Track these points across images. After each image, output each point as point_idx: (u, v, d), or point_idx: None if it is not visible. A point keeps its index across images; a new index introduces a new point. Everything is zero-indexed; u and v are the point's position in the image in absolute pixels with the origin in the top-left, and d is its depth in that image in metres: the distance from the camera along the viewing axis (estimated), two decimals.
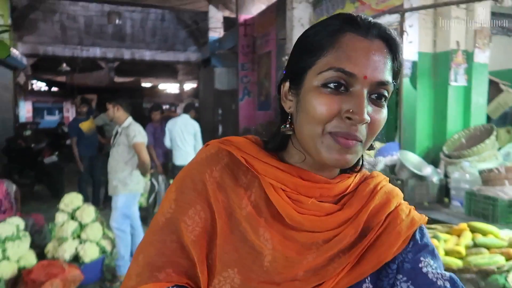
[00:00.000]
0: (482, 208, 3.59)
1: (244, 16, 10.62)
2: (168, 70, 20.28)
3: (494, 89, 5.19)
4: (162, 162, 5.75)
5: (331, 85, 0.66)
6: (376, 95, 0.68)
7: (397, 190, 0.82)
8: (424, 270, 0.71)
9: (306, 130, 0.70)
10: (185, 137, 5.27)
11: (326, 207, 0.74)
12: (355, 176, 0.81)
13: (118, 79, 18.04)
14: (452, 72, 4.52)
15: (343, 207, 0.75)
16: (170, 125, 5.33)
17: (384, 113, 0.70)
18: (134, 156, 3.91)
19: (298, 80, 0.72)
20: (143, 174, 3.97)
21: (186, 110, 5.56)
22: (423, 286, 0.70)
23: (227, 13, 12.98)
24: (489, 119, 5.06)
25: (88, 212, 4.06)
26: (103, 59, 16.99)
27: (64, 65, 15.57)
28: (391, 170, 4.61)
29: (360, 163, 0.81)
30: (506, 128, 5.18)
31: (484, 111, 4.78)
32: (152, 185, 5.70)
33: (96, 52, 16.42)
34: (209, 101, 11.83)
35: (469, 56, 4.55)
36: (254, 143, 0.82)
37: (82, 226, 3.99)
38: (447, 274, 0.71)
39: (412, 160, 4.54)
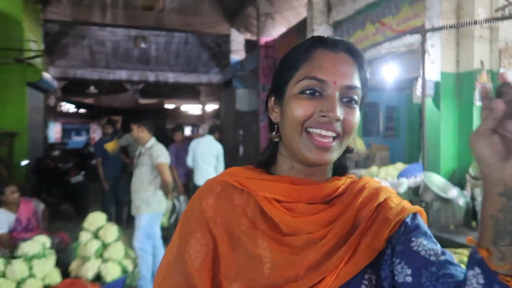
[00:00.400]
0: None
1: (265, 39, 10.80)
2: (191, 92, 20.69)
3: None
4: (183, 182, 5.81)
5: (307, 91, 0.77)
6: (347, 98, 0.78)
7: (387, 187, 0.87)
8: (415, 248, 0.73)
9: (289, 133, 0.80)
10: (207, 158, 5.34)
11: (318, 208, 0.80)
12: (346, 179, 0.87)
13: (142, 101, 18.50)
14: (477, 92, 4.44)
15: (333, 205, 0.81)
16: (194, 144, 5.43)
17: (356, 115, 0.80)
18: (157, 176, 3.98)
19: (281, 92, 0.83)
20: (166, 194, 4.02)
21: (211, 132, 5.66)
22: (415, 263, 0.71)
23: (248, 36, 13.25)
24: None
25: (111, 232, 4.11)
26: (128, 81, 17.52)
27: (92, 87, 16.13)
28: (415, 192, 4.51)
29: (347, 166, 0.91)
30: None
31: None
32: (173, 205, 5.75)
33: (122, 74, 16.96)
34: (230, 122, 11.96)
35: (494, 76, 4.47)
36: (247, 168, 0.89)
37: (105, 245, 4.05)
38: (440, 249, 0.72)
39: (437, 182, 4.43)
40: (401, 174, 5.31)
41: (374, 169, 6.52)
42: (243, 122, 11.38)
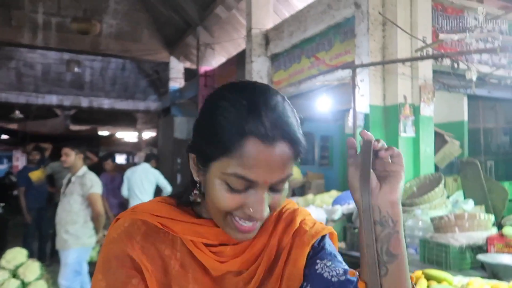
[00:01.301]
0: (436, 255, 3.69)
1: (204, 68, 10.90)
2: (127, 119, 20.04)
3: (439, 140, 5.54)
4: (115, 214, 5.52)
5: (233, 187, 0.71)
6: (276, 187, 0.74)
7: (302, 209, 0.89)
8: (319, 271, 0.76)
9: (212, 210, 0.76)
10: (144, 186, 5.15)
11: (245, 246, 0.79)
12: None
13: (74, 127, 17.56)
14: (401, 124, 4.80)
15: (257, 237, 0.80)
16: (129, 173, 5.20)
17: (284, 192, 0.77)
18: (88, 207, 3.74)
19: (203, 163, 0.74)
20: (98, 227, 3.78)
21: (147, 159, 5.50)
22: (318, 285, 0.74)
23: (188, 64, 13.28)
24: (436, 168, 5.35)
25: (32, 269, 3.75)
26: (59, 106, 16.58)
27: (17, 112, 15.01)
28: (348, 219, 4.68)
29: None
30: (453, 177, 5.48)
31: (432, 161, 5.05)
32: (104, 237, 5.42)
33: (52, 99, 16.01)
34: (168, 150, 11.72)
35: (415, 109, 4.88)
36: (166, 203, 0.83)
37: (24, 285, 3.67)
38: (342, 269, 0.76)
39: None
40: (335, 201, 5.50)
41: (310, 196, 6.69)
42: (181, 150, 11.22)
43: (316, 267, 0.76)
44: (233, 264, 0.77)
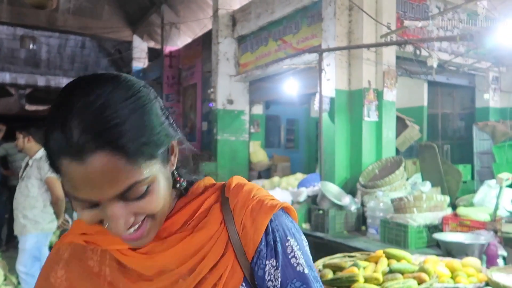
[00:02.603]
0: (395, 234, 3.87)
1: (169, 48, 10.61)
2: None
3: (401, 125, 5.74)
4: None
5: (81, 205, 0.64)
6: (133, 196, 0.63)
7: (251, 184, 0.79)
8: (264, 276, 0.73)
9: None
10: None
11: (179, 237, 0.72)
12: (203, 190, 0.78)
13: (30, 107, 16.72)
14: (365, 109, 4.92)
15: (199, 230, 0.73)
16: None
17: (154, 196, 0.65)
18: (47, 191, 3.59)
19: (55, 168, 0.63)
20: (58, 212, 3.64)
21: None
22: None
23: (152, 44, 12.86)
24: (397, 151, 5.55)
25: None
26: (13, 85, 15.68)
27: None
28: (313, 201, 4.79)
29: (186, 179, 0.79)
30: (412, 160, 5.72)
31: (393, 144, 5.23)
32: (67, 222, 5.24)
33: (5, 77, 15.12)
34: None
35: (379, 94, 5.00)
36: None
37: None
38: (280, 276, 0.71)
39: (332, 190, 4.77)
40: (300, 184, 5.60)
41: (275, 179, 6.77)
42: None
43: (261, 273, 0.72)
44: (167, 258, 0.70)
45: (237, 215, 0.73)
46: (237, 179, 0.81)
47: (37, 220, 3.52)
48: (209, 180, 0.82)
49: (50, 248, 4.16)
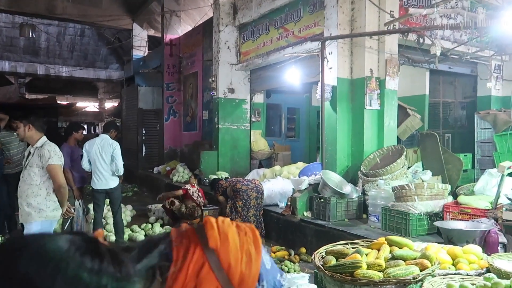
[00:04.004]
0: (396, 222, 3.90)
1: (170, 36, 10.54)
2: (88, 88, 19.23)
3: (402, 114, 5.74)
4: (79, 186, 5.34)
5: None
6: None
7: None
8: None
9: None
10: (104, 159, 4.96)
11: None
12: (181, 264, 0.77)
13: (30, 96, 16.68)
14: (367, 97, 4.91)
15: None
16: (87, 146, 4.98)
17: None
18: (49, 179, 3.60)
19: None
20: (61, 200, 3.65)
21: (105, 130, 5.24)
22: None
23: (152, 32, 12.77)
24: (399, 140, 5.55)
25: None
26: (12, 73, 15.62)
27: None
28: (314, 189, 4.82)
29: None
30: (413, 149, 5.73)
31: (395, 133, 5.24)
32: (70, 210, 5.25)
33: (4, 65, 15.05)
34: (133, 120, 11.40)
35: (381, 83, 4.99)
36: None
37: None
38: None
39: (334, 179, 4.79)
40: (302, 172, 5.62)
41: (277, 168, 6.80)
42: (146, 120, 10.96)
43: None
44: None
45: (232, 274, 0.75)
46: (212, 224, 0.79)
47: (41, 208, 3.54)
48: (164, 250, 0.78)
49: None
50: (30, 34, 12.11)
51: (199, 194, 5.92)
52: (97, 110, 19.89)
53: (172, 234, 0.79)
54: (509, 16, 3.56)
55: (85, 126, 18.35)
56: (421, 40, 4.51)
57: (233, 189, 4.95)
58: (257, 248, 0.78)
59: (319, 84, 5.11)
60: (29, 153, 3.71)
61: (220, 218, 0.82)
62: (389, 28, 4.72)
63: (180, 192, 5.76)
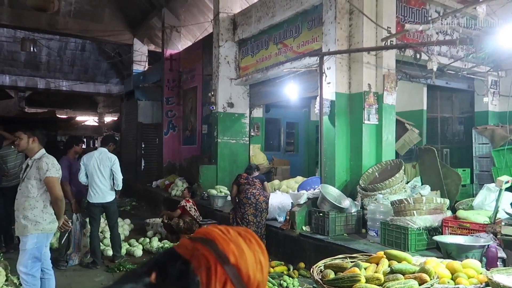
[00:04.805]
0: (395, 237, 3.88)
1: (170, 51, 10.65)
2: (87, 102, 19.30)
3: (400, 128, 5.76)
4: (75, 200, 5.32)
5: None
6: None
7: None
8: None
9: None
10: (102, 173, 4.96)
11: None
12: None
13: (29, 110, 16.73)
14: (365, 112, 4.94)
15: None
16: (85, 159, 4.99)
17: None
18: (46, 191, 3.59)
19: None
20: (58, 212, 3.63)
21: (104, 143, 5.26)
22: None
23: (152, 47, 12.90)
24: (397, 154, 5.57)
25: None
26: (13, 87, 15.70)
27: None
28: (313, 203, 4.80)
29: None
30: (412, 163, 5.74)
31: (393, 148, 5.25)
32: (66, 223, 5.21)
33: (5, 80, 15.13)
34: (132, 134, 11.43)
35: (379, 98, 5.03)
36: None
37: None
38: None
39: (332, 193, 4.78)
40: (300, 187, 5.62)
41: (276, 182, 6.79)
42: (145, 134, 10.99)
43: None
44: None
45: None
46: (226, 240, 0.79)
47: (37, 221, 3.52)
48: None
49: (50, 249, 4.17)
50: (32, 48, 12.23)
51: (195, 208, 5.91)
52: (97, 124, 19.92)
53: (183, 253, 0.77)
54: (505, 32, 3.62)
55: (84, 140, 18.36)
56: (418, 56, 4.57)
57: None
58: (264, 255, 0.79)
59: (318, 98, 5.15)
60: (27, 165, 3.71)
61: (225, 229, 0.80)
62: (386, 43, 4.78)
63: (178, 212, 5.75)
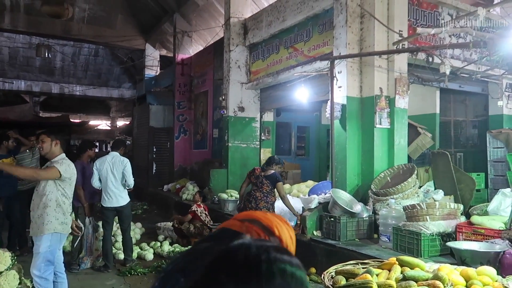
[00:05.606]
0: (408, 242, 3.83)
1: (181, 56, 10.74)
2: (100, 107, 19.56)
3: (412, 132, 5.70)
4: (88, 203, 5.37)
5: None
6: None
7: None
8: None
9: None
10: (116, 177, 5.01)
11: None
12: None
13: (44, 114, 17.02)
14: (377, 116, 4.90)
15: None
16: (98, 164, 5.04)
17: None
18: (59, 191, 3.64)
19: None
20: (8, 169, 3.77)
21: (115, 147, 5.30)
22: None
23: (164, 52, 13.03)
24: (409, 159, 5.50)
25: (3, 259, 3.64)
26: (28, 92, 15.98)
27: None
28: (324, 208, 4.77)
29: None
30: (425, 168, 5.66)
31: (405, 152, 5.19)
32: (77, 228, 5.27)
33: (20, 85, 15.42)
34: (144, 138, 11.53)
35: (391, 102, 4.98)
36: None
37: None
38: None
39: (344, 198, 4.74)
40: (311, 191, 5.58)
41: (287, 186, 6.77)
42: (157, 138, 11.08)
43: None
44: None
45: None
46: (269, 218, 0.91)
47: (50, 220, 3.57)
48: None
49: (63, 252, 4.21)
50: (46, 54, 12.44)
51: (206, 213, 5.92)
52: (109, 128, 20.15)
53: (239, 229, 0.84)
54: None
55: (97, 144, 18.59)
56: (430, 59, 4.52)
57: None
58: (293, 233, 0.91)
59: (329, 102, 5.13)
60: (46, 166, 3.78)
61: (263, 212, 0.96)
62: (398, 47, 4.75)
63: (189, 217, 5.77)
